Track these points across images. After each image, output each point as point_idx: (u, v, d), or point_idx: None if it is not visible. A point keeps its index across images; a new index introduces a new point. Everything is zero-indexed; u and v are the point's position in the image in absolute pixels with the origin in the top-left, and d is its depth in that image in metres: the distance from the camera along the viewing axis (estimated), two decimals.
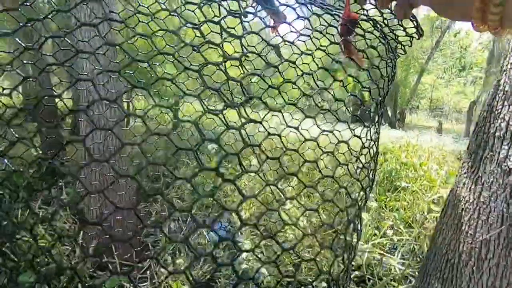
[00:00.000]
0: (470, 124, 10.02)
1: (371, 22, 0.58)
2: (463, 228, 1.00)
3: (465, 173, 1.06)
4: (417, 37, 0.61)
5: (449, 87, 17.95)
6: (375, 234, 2.43)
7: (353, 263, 2.08)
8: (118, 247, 1.91)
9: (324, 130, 0.55)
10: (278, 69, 0.51)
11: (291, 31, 0.53)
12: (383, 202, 3.03)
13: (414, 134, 6.69)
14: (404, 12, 0.46)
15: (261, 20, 0.51)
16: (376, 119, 0.66)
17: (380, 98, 0.64)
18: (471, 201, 1.00)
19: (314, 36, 0.56)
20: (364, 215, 2.54)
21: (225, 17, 0.45)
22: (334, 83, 0.53)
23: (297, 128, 0.50)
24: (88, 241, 1.87)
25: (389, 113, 12.23)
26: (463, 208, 1.02)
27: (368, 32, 0.58)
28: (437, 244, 1.12)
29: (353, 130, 0.59)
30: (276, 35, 0.54)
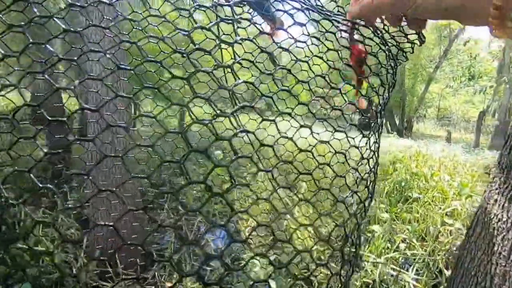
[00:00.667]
0: (479, 134, 9.84)
1: (371, 28, 0.54)
2: (495, 248, 0.92)
3: (496, 189, 0.99)
4: (419, 44, 0.58)
5: (457, 96, 17.77)
6: (387, 248, 2.34)
7: (363, 279, 1.98)
8: (123, 255, 1.84)
9: (320, 141, 0.50)
10: (290, 71, 0.45)
11: (289, 38, 0.49)
12: (394, 213, 2.93)
13: (423, 143, 6.58)
14: (418, 26, 0.46)
15: (255, 26, 0.47)
16: (377, 128, 0.61)
17: (380, 107, 0.60)
18: (504, 219, 0.92)
19: (313, 43, 0.53)
20: (376, 227, 2.45)
21: (217, 23, 0.40)
22: (338, 89, 0.49)
23: (290, 138, 0.45)
24: (92, 250, 1.81)
25: (397, 121, 12.12)
26: (495, 227, 0.94)
27: (368, 38, 0.54)
28: (464, 264, 1.03)
29: (353, 139, 0.55)
30: (273, 42, 0.50)
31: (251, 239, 2.21)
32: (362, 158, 0.56)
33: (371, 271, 2.09)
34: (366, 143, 0.58)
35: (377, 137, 0.61)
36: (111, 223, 0.33)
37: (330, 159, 0.53)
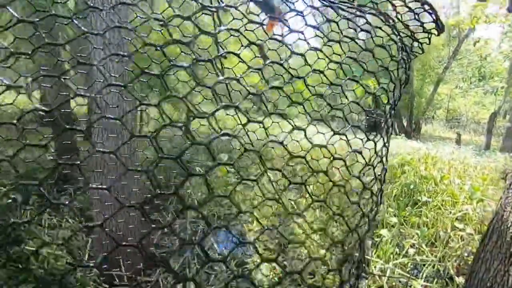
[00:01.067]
0: (490, 136, 9.62)
1: (382, 17, 0.48)
2: None
3: None
4: (436, 33, 0.51)
5: (466, 97, 17.43)
6: (396, 253, 2.28)
7: (371, 286, 1.93)
8: (125, 259, 1.83)
9: (318, 145, 0.46)
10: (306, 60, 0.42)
11: (289, 32, 0.44)
12: (403, 217, 2.87)
13: (432, 145, 6.45)
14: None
15: (244, 15, 0.43)
16: (385, 131, 0.54)
17: (389, 106, 0.53)
18: None
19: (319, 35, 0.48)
20: (384, 231, 2.39)
21: (196, 12, 0.37)
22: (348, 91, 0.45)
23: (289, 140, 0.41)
24: (96, 253, 1.81)
25: (405, 123, 11.95)
26: None
27: (378, 28, 0.48)
28: (479, 274, 0.99)
29: (362, 140, 0.49)
30: (274, 34, 0.46)
31: (257, 242, 2.18)
32: (367, 164, 0.51)
33: (379, 277, 2.04)
34: (373, 148, 0.53)
35: (386, 140, 0.56)
36: (99, 223, 0.31)
37: (329, 165, 0.49)
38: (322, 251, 2.25)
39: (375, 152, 0.54)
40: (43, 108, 0.31)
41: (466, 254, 2.32)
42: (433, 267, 2.23)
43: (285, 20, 0.44)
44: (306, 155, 0.42)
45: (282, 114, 0.42)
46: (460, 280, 2.06)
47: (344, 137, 0.46)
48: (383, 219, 2.77)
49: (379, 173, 0.56)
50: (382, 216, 2.78)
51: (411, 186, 3.57)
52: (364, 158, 0.51)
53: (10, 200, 2.33)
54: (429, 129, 18.26)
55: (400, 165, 4.38)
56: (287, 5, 0.44)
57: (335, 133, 0.48)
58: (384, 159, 0.57)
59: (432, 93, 12.67)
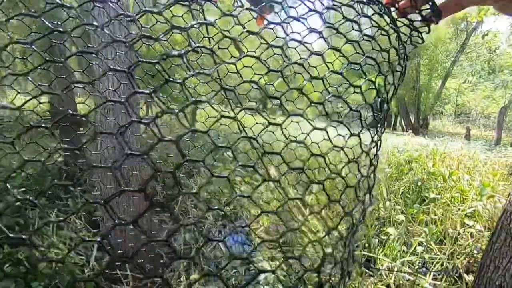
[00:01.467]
0: (501, 130, 9.42)
1: (378, 5, 0.46)
2: None
3: None
4: (435, 21, 0.48)
5: (476, 91, 17.10)
6: (403, 251, 2.25)
7: (378, 284, 1.90)
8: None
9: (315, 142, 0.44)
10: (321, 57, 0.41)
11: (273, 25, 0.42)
12: (410, 215, 2.83)
13: (440, 141, 6.34)
14: None
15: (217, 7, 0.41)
16: (377, 124, 0.50)
17: (384, 98, 0.50)
18: None
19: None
20: (391, 229, 2.36)
21: (170, 6, 0.35)
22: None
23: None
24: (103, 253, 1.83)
25: (412, 119, 11.78)
26: None
27: (377, 13, 0.46)
28: (487, 273, 0.96)
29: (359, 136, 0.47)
30: (264, 26, 0.44)
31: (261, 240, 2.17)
32: (351, 160, 0.48)
33: (386, 275, 2.01)
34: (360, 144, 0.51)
35: (377, 135, 0.53)
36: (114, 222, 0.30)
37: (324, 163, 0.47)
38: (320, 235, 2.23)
39: (362, 150, 0.51)
40: (77, 113, 0.31)
41: (475, 252, 2.27)
42: (442, 264, 2.19)
43: (274, 12, 0.43)
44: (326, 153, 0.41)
45: (287, 113, 0.40)
46: (470, 278, 2.02)
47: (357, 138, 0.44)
48: (389, 216, 2.74)
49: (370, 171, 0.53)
50: (389, 214, 2.74)
51: (419, 183, 3.51)
52: (348, 158, 0.48)
53: (21, 201, 2.37)
54: (437, 124, 18.00)
55: (407, 162, 4.32)
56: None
57: (352, 134, 0.46)
58: (375, 157, 0.53)
59: (440, 88, 12.47)
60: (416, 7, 0.46)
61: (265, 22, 0.47)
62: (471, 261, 2.22)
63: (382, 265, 2.09)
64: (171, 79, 0.29)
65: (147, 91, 0.27)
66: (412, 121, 11.90)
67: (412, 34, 0.49)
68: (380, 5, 0.45)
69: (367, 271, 2.05)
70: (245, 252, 2.26)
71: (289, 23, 0.42)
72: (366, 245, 2.35)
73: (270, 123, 0.33)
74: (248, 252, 2.19)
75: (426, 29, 0.49)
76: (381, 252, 2.24)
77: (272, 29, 0.42)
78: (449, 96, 17.51)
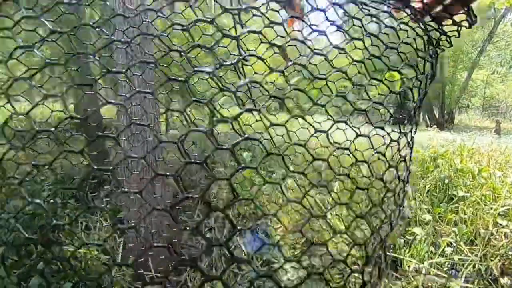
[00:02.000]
0: None
1: (407, 10, 0.44)
2: None
3: None
4: (467, 25, 0.45)
5: (505, 82, 16.13)
6: (431, 252, 2.15)
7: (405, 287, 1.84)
8: (153, 260, 1.89)
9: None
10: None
11: (311, 27, 0.41)
12: (437, 214, 2.71)
13: (467, 136, 6.04)
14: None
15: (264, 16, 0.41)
16: (409, 128, 0.49)
17: (415, 103, 0.49)
18: None
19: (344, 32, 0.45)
20: (418, 229, 2.27)
21: (218, 15, 0.35)
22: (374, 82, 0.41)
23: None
24: (126, 252, 1.88)
25: (436, 113, 11.31)
26: None
27: (403, 23, 0.43)
28: None
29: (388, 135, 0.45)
30: (295, 29, 0.43)
31: (282, 242, 2.16)
32: (389, 166, 0.47)
33: (414, 277, 1.94)
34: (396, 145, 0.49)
35: (410, 139, 0.52)
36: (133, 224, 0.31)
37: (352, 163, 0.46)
38: (345, 248, 2.18)
39: (398, 150, 0.50)
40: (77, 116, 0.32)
41: (511, 253, 2.14)
42: (474, 267, 2.08)
43: (305, 17, 0.42)
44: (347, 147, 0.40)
45: (300, 115, 0.39)
46: (505, 281, 1.90)
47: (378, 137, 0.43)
48: (415, 216, 2.63)
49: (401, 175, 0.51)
50: (415, 213, 2.64)
51: (446, 181, 3.36)
52: (387, 160, 0.47)
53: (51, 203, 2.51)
54: (463, 118, 17.16)
55: (432, 159, 4.15)
56: (307, 2, 0.42)
57: (392, 141, 0.44)
58: (408, 158, 0.53)
59: (465, 80, 11.87)
60: (449, 13, 0.44)
61: (296, 24, 0.46)
62: (506, 263, 2.09)
63: (409, 267, 2.02)
64: (198, 98, 0.29)
65: (177, 108, 0.27)
66: (436, 116, 11.42)
67: (440, 38, 0.47)
68: (413, 10, 0.43)
69: (394, 273, 1.98)
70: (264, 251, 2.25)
71: (324, 33, 0.41)
72: (391, 245, 2.27)
73: (317, 131, 0.32)
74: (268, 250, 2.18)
75: (456, 33, 0.47)
76: (408, 252, 2.16)
77: (301, 31, 0.42)
78: (475, 88, 16.63)
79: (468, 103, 17.54)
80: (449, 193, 3.20)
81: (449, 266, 2.12)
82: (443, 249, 2.17)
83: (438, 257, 2.10)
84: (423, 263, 2.00)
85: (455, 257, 2.13)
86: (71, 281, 1.70)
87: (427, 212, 2.71)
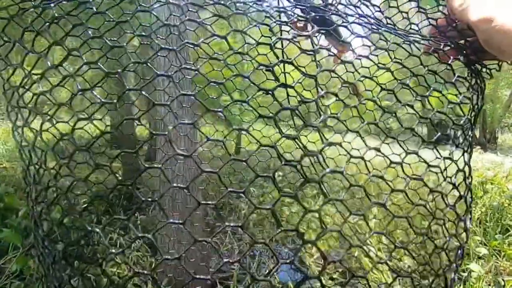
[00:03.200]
0: None
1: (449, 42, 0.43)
2: None
3: None
4: (509, 62, 0.43)
5: None
6: None
7: None
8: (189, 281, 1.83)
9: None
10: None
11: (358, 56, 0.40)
12: (493, 247, 2.41)
13: None
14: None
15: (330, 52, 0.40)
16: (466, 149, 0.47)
17: (468, 125, 0.46)
18: None
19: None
20: (474, 266, 2.01)
21: (299, 55, 0.36)
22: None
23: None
24: (160, 275, 1.84)
25: (477, 133, 10.58)
26: None
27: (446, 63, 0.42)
28: None
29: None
30: (340, 63, 0.42)
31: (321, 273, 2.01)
32: (454, 186, 0.42)
33: None
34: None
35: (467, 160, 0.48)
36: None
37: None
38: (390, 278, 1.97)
39: (463, 170, 0.45)
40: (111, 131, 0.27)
41: None
42: None
43: (351, 48, 0.40)
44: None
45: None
46: None
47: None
48: (468, 248, 2.36)
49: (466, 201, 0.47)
50: (468, 246, 2.37)
51: (498, 209, 3.03)
52: (449, 180, 0.44)
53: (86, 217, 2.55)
54: (507, 138, 15.89)
55: (480, 183, 3.79)
56: (348, 29, 0.40)
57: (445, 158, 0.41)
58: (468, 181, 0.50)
59: (509, 97, 11.07)
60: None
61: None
62: None
63: None
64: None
65: None
66: (477, 136, 10.67)
67: (481, 70, 0.45)
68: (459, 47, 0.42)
69: None
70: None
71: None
72: (442, 283, 2.03)
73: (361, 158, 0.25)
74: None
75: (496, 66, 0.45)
76: None
77: (344, 64, 0.39)
78: None
79: None
80: (504, 222, 2.87)
81: None
82: None
83: None
84: None
85: None
86: None
87: (481, 244, 2.42)
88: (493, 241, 2.42)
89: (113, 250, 0.32)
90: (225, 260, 0.32)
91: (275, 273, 2.01)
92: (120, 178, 3.74)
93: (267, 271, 2.02)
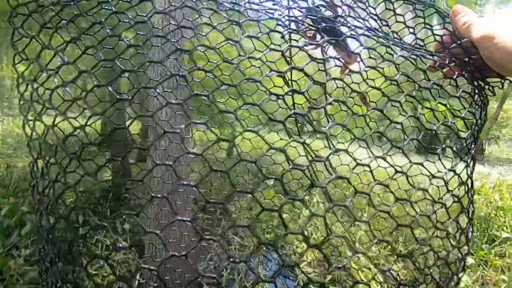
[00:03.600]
0: None
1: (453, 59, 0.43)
2: None
3: None
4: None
5: None
6: None
7: None
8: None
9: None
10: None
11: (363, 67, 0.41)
12: (480, 257, 2.45)
13: (503, 170, 5.66)
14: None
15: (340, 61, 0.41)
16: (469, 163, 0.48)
17: (471, 137, 0.48)
18: None
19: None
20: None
21: (308, 62, 0.35)
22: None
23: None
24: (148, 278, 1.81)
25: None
26: None
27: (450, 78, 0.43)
28: None
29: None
30: (347, 74, 0.42)
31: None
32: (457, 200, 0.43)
33: None
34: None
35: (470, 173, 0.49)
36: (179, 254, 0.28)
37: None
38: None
39: (464, 183, 0.46)
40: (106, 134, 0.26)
41: None
42: None
43: (360, 59, 0.41)
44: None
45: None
46: None
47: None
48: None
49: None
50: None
51: (485, 219, 3.09)
52: (452, 192, 0.45)
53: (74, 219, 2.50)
54: (494, 150, 16.33)
55: None
56: (358, 41, 0.39)
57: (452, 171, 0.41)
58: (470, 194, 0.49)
59: (496, 110, 11.39)
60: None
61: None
62: None
63: None
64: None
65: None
66: None
67: (483, 87, 0.46)
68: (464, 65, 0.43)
69: None
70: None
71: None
72: None
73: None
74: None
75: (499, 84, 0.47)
76: None
77: (350, 75, 0.39)
78: (506, 119, 15.90)
79: (499, 134, 16.73)
80: (491, 233, 2.93)
81: None
82: None
83: None
84: None
85: None
86: None
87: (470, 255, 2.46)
88: (480, 251, 2.47)
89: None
90: (231, 259, 0.32)
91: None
92: (110, 173, 3.68)
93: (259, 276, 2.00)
